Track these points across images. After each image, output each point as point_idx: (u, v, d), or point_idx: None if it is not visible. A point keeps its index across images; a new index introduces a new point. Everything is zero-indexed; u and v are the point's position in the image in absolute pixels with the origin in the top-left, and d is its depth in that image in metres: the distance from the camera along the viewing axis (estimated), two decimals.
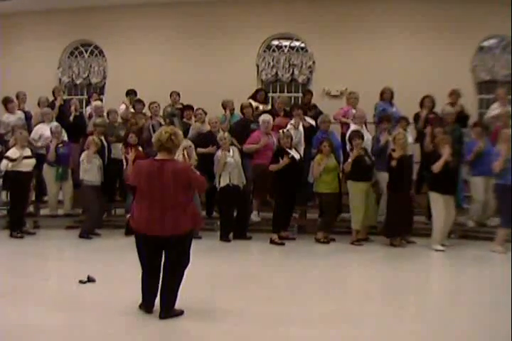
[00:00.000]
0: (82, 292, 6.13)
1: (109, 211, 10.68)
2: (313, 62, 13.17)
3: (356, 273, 7.77)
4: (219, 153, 9.28)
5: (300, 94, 12.57)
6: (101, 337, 4.80)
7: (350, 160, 8.97)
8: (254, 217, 9.98)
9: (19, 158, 9.23)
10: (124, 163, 9.41)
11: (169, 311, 5.18)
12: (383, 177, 9.23)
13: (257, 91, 11.59)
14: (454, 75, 11.55)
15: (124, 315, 5.28)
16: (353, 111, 10.31)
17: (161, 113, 11.09)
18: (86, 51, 14.56)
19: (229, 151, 9.33)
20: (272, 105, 11.60)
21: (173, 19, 13.72)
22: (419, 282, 7.08)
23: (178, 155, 5.68)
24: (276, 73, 13.39)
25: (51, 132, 10.13)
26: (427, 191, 8.93)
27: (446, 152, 8.47)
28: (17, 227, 9.40)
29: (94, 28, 14.09)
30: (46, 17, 14.23)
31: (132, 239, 5.36)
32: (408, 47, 12.47)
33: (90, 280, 6.43)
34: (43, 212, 10.68)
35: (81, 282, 6.38)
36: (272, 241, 9.03)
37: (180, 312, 5.25)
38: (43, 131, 10.38)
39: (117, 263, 7.53)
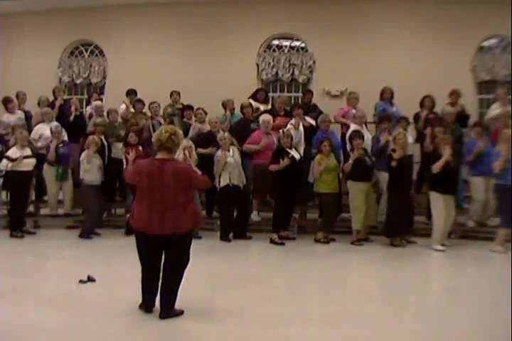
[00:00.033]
0: (82, 292, 6.13)
1: (109, 211, 10.69)
2: (314, 62, 13.18)
3: (356, 273, 7.77)
4: (219, 153, 9.27)
5: (300, 94, 12.56)
6: (101, 336, 4.80)
7: (350, 161, 8.96)
8: (255, 216, 9.98)
9: (19, 158, 9.22)
10: (124, 163, 9.40)
11: (169, 311, 5.19)
12: (383, 176, 9.24)
13: (257, 91, 11.59)
14: (454, 75, 11.56)
15: (124, 315, 5.28)
16: (353, 111, 10.30)
17: (161, 113, 11.09)
18: (86, 51, 14.57)
19: (229, 151, 9.33)
20: (272, 105, 11.59)
21: (174, 19, 13.73)
22: (419, 282, 7.08)
23: (179, 155, 5.67)
24: (277, 73, 13.40)
25: (51, 132, 10.13)
26: (427, 191, 8.93)
27: (446, 153, 8.46)
28: (17, 227, 9.40)
29: (94, 27, 14.11)
30: (46, 17, 14.24)
31: (132, 239, 5.37)
32: (408, 47, 12.47)
33: (90, 280, 6.44)
34: (43, 211, 10.68)
35: (81, 282, 6.38)
36: (272, 241, 9.03)
37: (180, 312, 5.25)
38: (43, 130, 10.38)
39: (117, 263, 7.53)
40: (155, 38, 13.84)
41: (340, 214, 9.72)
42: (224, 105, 10.91)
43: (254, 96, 11.31)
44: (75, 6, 13.84)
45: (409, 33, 12.47)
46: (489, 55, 12.30)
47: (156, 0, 13.54)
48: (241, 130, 10.18)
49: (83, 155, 9.48)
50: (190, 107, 10.99)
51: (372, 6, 12.60)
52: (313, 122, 10.27)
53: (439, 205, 8.61)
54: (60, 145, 10.05)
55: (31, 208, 10.51)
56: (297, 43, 13.50)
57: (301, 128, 9.93)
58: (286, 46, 13.58)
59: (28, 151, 9.46)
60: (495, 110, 10.05)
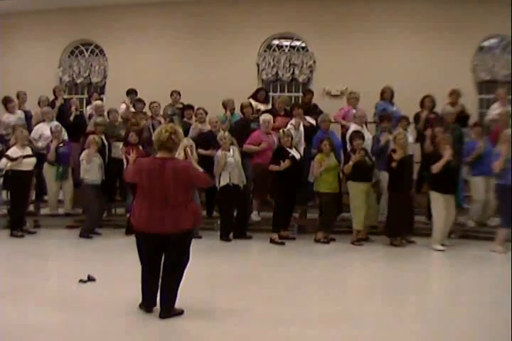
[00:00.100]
0: (82, 291, 6.13)
1: (109, 210, 10.69)
2: (314, 62, 13.18)
3: (356, 273, 7.77)
4: (219, 152, 9.27)
5: (300, 94, 12.56)
6: (101, 336, 4.80)
7: (350, 163, 8.94)
8: (255, 216, 9.99)
9: (19, 159, 9.21)
10: (125, 163, 9.40)
11: (169, 311, 5.18)
12: (384, 176, 9.24)
13: (257, 90, 11.58)
14: (454, 75, 11.56)
15: (124, 315, 5.28)
16: (353, 111, 10.31)
17: (161, 112, 11.09)
18: (87, 50, 14.58)
19: (229, 151, 9.32)
20: (273, 105, 11.60)
21: (174, 19, 13.73)
22: (419, 282, 7.08)
23: (179, 154, 5.66)
24: (277, 73, 13.40)
25: (51, 132, 10.14)
26: (428, 191, 8.93)
27: (447, 153, 8.46)
28: (17, 226, 9.41)
29: (94, 27, 14.10)
30: (47, 16, 14.24)
31: (132, 239, 5.37)
32: (408, 47, 12.47)
33: (90, 279, 6.44)
34: (43, 211, 10.69)
35: (81, 281, 6.38)
36: (272, 241, 9.03)
37: (181, 312, 5.25)
38: (43, 130, 10.39)
39: (117, 262, 7.54)
40: (155, 37, 13.84)
41: (340, 214, 9.72)
42: (224, 105, 10.91)
43: (254, 96, 11.31)
44: (75, 5, 13.84)
45: (409, 33, 12.46)
46: (489, 55, 12.30)
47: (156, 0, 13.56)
48: (241, 130, 10.18)
49: (83, 154, 9.48)
50: (190, 107, 10.98)
51: (373, 6, 12.60)
52: (313, 122, 10.27)
53: (440, 205, 8.61)
54: (61, 144, 10.05)
55: (31, 208, 10.52)
56: (297, 43, 13.50)
57: (301, 128, 9.93)
58: (286, 46, 13.58)
59: (28, 151, 9.46)
60: (495, 110, 10.06)
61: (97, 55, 14.48)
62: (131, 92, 11.72)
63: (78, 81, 14.40)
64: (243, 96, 11.11)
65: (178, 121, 10.62)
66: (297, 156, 9.16)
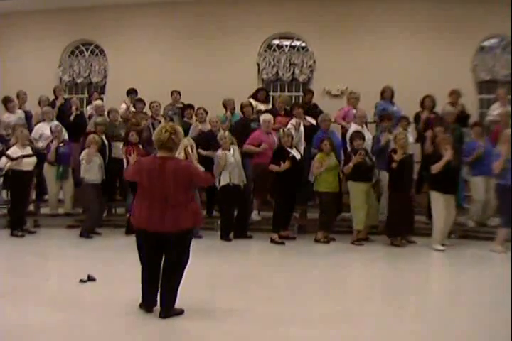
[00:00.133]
0: (83, 291, 6.14)
1: (109, 210, 10.70)
2: (314, 62, 13.18)
3: (356, 273, 7.77)
4: (219, 152, 9.27)
5: (301, 94, 12.57)
6: (101, 336, 4.80)
7: (351, 164, 8.92)
8: (255, 216, 9.98)
9: (19, 159, 9.20)
10: (125, 163, 9.40)
11: (169, 310, 5.19)
12: (384, 175, 9.25)
13: (257, 90, 11.59)
14: (454, 75, 11.56)
15: (125, 315, 5.29)
16: (354, 111, 10.31)
17: (161, 112, 11.10)
18: (87, 50, 14.58)
19: (229, 150, 9.32)
20: (273, 104, 11.61)
21: (174, 18, 13.74)
22: (419, 282, 7.08)
23: (179, 153, 5.66)
24: (277, 72, 13.41)
25: (51, 131, 10.14)
26: (428, 191, 8.93)
27: (447, 153, 8.45)
28: (18, 226, 9.41)
29: (94, 27, 14.11)
30: (47, 16, 14.25)
31: (133, 239, 5.38)
32: (408, 47, 12.47)
33: (91, 279, 6.44)
34: (43, 211, 10.69)
35: (81, 281, 6.38)
36: (272, 241, 9.03)
37: (181, 312, 5.25)
38: (44, 130, 10.39)
39: (118, 262, 7.54)
40: (155, 37, 13.86)
41: (340, 213, 9.73)
42: (224, 104, 10.91)
43: (254, 96, 11.31)
44: (75, 5, 13.85)
45: (409, 33, 12.47)
46: (489, 55, 12.31)
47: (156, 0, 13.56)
48: (241, 129, 10.18)
49: (83, 154, 9.47)
50: (190, 106, 10.99)
51: (373, 6, 12.60)
52: (313, 121, 10.27)
53: (440, 205, 8.61)
54: (61, 144, 10.05)
55: (32, 207, 10.52)
56: (298, 43, 13.51)
57: (301, 128, 9.93)
58: (286, 46, 13.58)
59: (28, 150, 9.46)
60: (495, 110, 10.06)
61: (97, 54, 14.48)
62: (131, 92, 11.73)
63: (78, 81, 14.41)
64: (243, 96, 11.10)
65: (178, 120, 10.62)
66: (297, 156, 9.16)
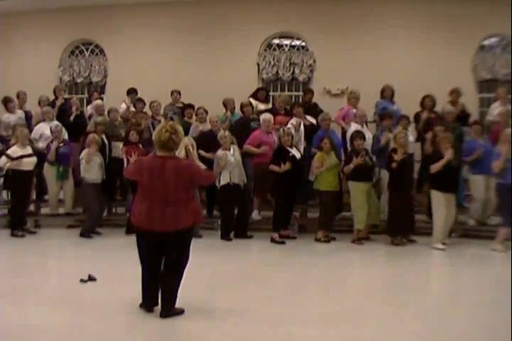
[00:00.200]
0: (83, 291, 6.14)
1: (109, 210, 10.71)
2: (314, 61, 13.19)
3: (357, 273, 7.77)
4: (219, 152, 9.26)
5: (301, 93, 12.58)
6: (101, 336, 4.80)
7: (351, 166, 8.91)
8: (255, 215, 9.99)
9: (19, 158, 9.19)
10: (125, 162, 9.40)
11: (170, 310, 5.19)
12: (385, 174, 9.25)
13: (257, 90, 11.60)
14: (454, 74, 11.58)
15: (125, 314, 5.29)
16: (354, 110, 10.31)
17: (161, 112, 11.10)
18: (87, 50, 14.59)
19: (229, 150, 9.32)
20: (273, 104, 11.62)
21: (174, 18, 13.74)
22: (419, 281, 7.07)
23: (179, 152, 5.65)
24: (277, 72, 13.42)
25: (51, 131, 10.13)
26: (428, 190, 8.92)
27: (448, 154, 8.45)
28: (18, 226, 9.41)
29: (94, 26, 14.11)
30: (47, 16, 14.26)
31: (133, 239, 5.38)
32: (408, 47, 12.49)
33: (91, 279, 6.44)
34: (43, 210, 10.69)
35: (82, 281, 6.38)
36: (272, 240, 9.03)
37: (181, 311, 5.25)
38: (44, 130, 10.40)
39: (118, 262, 7.53)
40: (155, 37, 13.86)
41: (340, 213, 9.71)
42: (224, 104, 10.91)
43: (254, 96, 11.32)
44: (75, 5, 13.85)
45: (409, 33, 12.48)
46: (490, 54, 12.32)
47: None
48: (241, 129, 10.19)
49: (83, 153, 9.47)
50: (190, 106, 10.99)
51: (373, 6, 12.61)
52: (313, 121, 10.27)
53: (440, 204, 8.61)
54: (61, 144, 10.05)
55: (32, 207, 10.52)
56: (298, 42, 13.51)
57: (301, 127, 9.93)
58: (286, 45, 13.59)
59: (29, 150, 9.44)
60: (495, 109, 10.06)
61: (97, 54, 14.49)
62: (131, 92, 11.73)
63: (78, 80, 14.42)
64: (243, 96, 11.11)
65: (178, 120, 10.62)
66: (297, 155, 9.15)
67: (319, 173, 9.07)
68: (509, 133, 8.39)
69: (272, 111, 10.59)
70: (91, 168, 9.41)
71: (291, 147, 9.14)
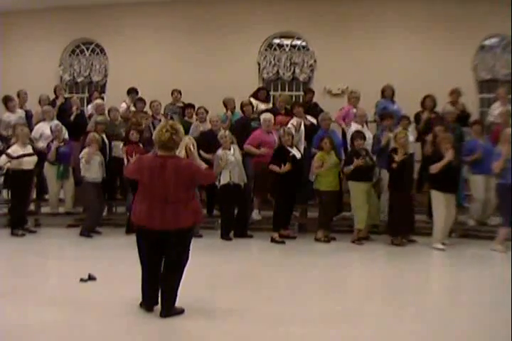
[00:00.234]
0: (83, 290, 6.14)
1: (109, 209, 10.71)
2: (315, 61, 13.20)
3: (357, 273, 7.77)
4: (220, 151, 9.26)
5: (301, 93, 12.58)
6: (101, 335, 4.80)
7: (351, 167, 8.90)
8: (255, 215, 9.98)
9: (19, 158, 9.18)
10: (125, 162, 9.39)
11: (170, 310, 5.19)
12: (385, 174, 9.25)
13: (258, 89, 11.60)
14: (454, 74, 11.58)
15: (125, 314, 5.29)
16: (354, 110, 10.31)
17: (162, 111, 11.10)
18: (87, 49, 14.59)
19: (230, 150, 9.32)
20: (273, 104, 11.62)
21: (175, 17, 13.74)
22: (419, 281, 7.07)
23: (180, 152, 5.65)
24: (278, 72, 13.43)
25: (51, 131, 10.13)
26: (428, 190, 8.92)
27: (449, 155, 8.44)
28: (18, 225, 9.41)
29: (95, 26, 14.12)
30: (47, 15, 14.25)
31: (133, 238, 5.38)
32: (408, 47, 12.49)
33: (91, 278, 6.44)
34: (43, 210, 10.70)
35: (82, 280, 6.39)
36: (272, 240, 9.03)
37: (181, 311, 5.26)
38: (44, 129, 10.39)
39: (118, 261, 7.52)
40: (156, 36, 13.87)
41: (340, 212, 9.72)
42: (225, 104, 10.91)
43: (255, 95, 11.31)
44: (75, 4, 13.87)
45: (409, 33, 12.48)
46: (490, 54, 12.32)
47: None
48: (241, 128, 10.19)
49: (83, 152, 9.46)
50: (191, 106, 10.99)
51: (373, 6, 12.61)
52: (314, 121, 10.26)
53: (440, 204, 8.60)
54: (61, 144, 10.05)
55: (32, 206, 10.53)
56: (298, 42, 13.52)
57: (302, 127, 9.93)
58: (287, 45, 13.59)
59: (29, 149, 9.44)
60: (496, 110, 10.06)
61: (97, 53, 14.49)
62: (131, 91, 11.73)
63: (79, 80, 14.42)
64: (244, 95, 11.10)
65: (178, 119, 10.62)
66: (298, 155, 9.15)
67: (319, 173, 9.07)
68: (509, 133, 8.39)
69: (273, 110, 10.59)
70: (91, 167, 9.41)
71: (291, 147, 9.14)
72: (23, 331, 4.82)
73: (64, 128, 10.31)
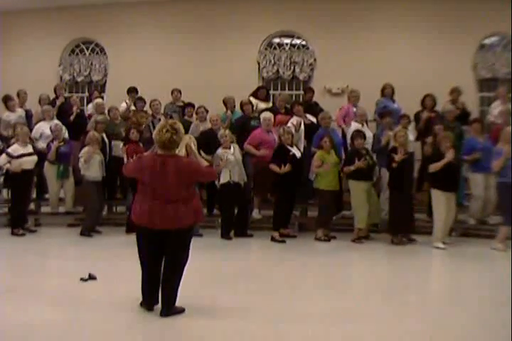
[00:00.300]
0: (83, 290, 6.14)
1: (109, 209, 10.71)
2: (315, 60, 13.19)
3: (357, 271, 7.78)
4: (220, 151, 9.26)
5: (301, 92, 12.59)
6: (102, 335, 4.80)
7: (352, 168, 8.90)
8: (255, 214, 9.99)
9: (19, 157, 9.19)
10: (125, 161, 9.38)
11: (170, 309, 5.19)
12: (385, 173, 9.26)
13: (258, 88, 11.59)
14: (454, 73, 11.58)
15: (125, 313, 5.29)
16: (354, 109, 10.31)
17: (162, 111, 11.09)
18: (87, 49, 14.58)
19: (230, 149, 9.31)
20: (273, 103, 11.61)
21: (175, 16, 13.73)
22: (419, 280, 7.07)
23: (179, 151, 5.65)
24: (278, 71, 13.42)
25: (51, 130, 10.13)
26: (428, 189, 8.92)
27: (449, 155, 8.44)
28: (18, 225, 9.41)
29: (95, 25, 14.10)
30: (47, 15, 14.24)
31: (133, 237, 5.39)
32: (408, 46, 12.49)
33: (91, 278, 6.45)
34: (44, 209, 10.70)
35: (82, 280, 6.39)
36: (272, 239, 9.04)
37: (181, 310, 5.25)
38: (44, 129, 10.39)
39: (118, 260, 7.52)
40: (156, 35, 13.86)
41: (340, 212, 9.72)
42: (225, 103, 10.91)
43: (255, 94, 11.30)
44: (75, 4, 13.86)
45: (409, 31, 12.48)
46: (490, 53, 12.33)
47: None
48: (241, 127, 10.19)
49: (82, 151, 9.46)
50: (191, 105, 10.99)
51: (373, 4, 12.60)
52: (314, 120, 10.26)
53: (441, 203, 8.60)
54: (61, 143, 10.04)
55: (32, 206, 10.53)
56: (298, 41, 13.51)
57: (301, 126, 9.93)
58: (287, 44, 13.59)
59: (29, 148, 9.44)
60: (496, 108, 10.06)
61: (97, 53, 14.47)
62: (131, 91, 11.73)
63: (79, 79, 14.41)
64: (244, 94, 11.10)
65: (178, 119, 10.61)
66: (298, 154, 9.15)
67: (319, 172, 9.07)
68: (509, 131, 8.39)
69: (273, 109, 10.60)
70: (91, 166, 9.41)
71: (291, 146, 9.14)
72: (24, 330, 4.81)
73: (64, 127, 10.31)
